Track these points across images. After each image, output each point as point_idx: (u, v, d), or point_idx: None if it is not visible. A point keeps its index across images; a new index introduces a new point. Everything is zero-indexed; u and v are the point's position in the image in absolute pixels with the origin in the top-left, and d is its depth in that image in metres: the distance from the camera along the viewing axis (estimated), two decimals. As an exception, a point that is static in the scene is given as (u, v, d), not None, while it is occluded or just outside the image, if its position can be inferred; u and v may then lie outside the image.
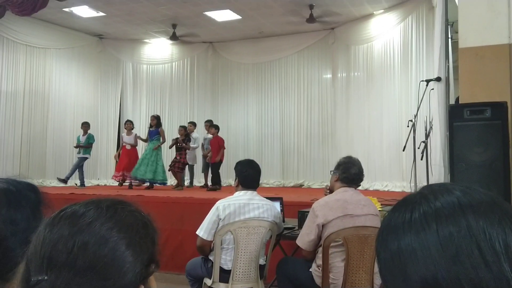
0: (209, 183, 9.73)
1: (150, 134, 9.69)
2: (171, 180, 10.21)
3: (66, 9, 9.84)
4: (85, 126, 10.09)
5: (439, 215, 0.70)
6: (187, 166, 9.90)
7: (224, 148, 9.55)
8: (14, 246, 1.15)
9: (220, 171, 9.61)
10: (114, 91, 12.48)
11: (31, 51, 10.81)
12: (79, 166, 9.93)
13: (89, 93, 12.08)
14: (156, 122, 9.67)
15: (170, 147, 10.11)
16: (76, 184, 9.96)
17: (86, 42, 11.87)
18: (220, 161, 9.46)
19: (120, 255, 0.82)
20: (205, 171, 10.13)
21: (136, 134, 10.15)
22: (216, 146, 9.39)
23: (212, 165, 9.49)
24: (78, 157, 10.03)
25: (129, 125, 10.11)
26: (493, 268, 0.64)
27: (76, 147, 10.09)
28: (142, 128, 11.52)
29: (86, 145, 9.95)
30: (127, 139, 9.98)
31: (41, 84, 11.00)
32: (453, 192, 0.72)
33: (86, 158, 10.05)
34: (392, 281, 0.73)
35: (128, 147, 9.95)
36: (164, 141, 9.74)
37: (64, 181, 9.81)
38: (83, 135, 10.02)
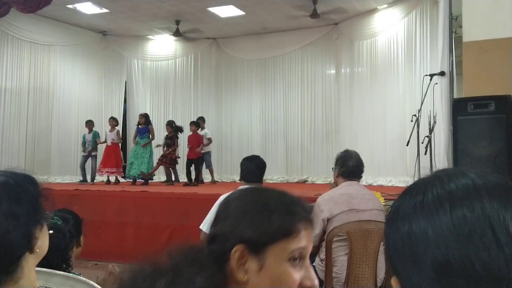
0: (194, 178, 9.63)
1: (139, 132, 9.70)
2: (158, 177, 10.23)
3: (70, 6, 9.85)
4: (90, 124, 10.11)
5: (453, 197, 0.69)
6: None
7: (203, 144, 9.67)
8: (16, 240, 1.15)
9: (213, 166, 10.06)
10: (118, 87, 12.50)
11: (35, 48, 10.83)
12: (84, 164, 9.99)
13: (93, 90, 12.11)
14: (145, 120, 9.72)
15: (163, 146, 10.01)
16: (80, 180, 9.99)
17: (90, 39, 11.89)
18: (199, 157, 9.60)
19: None
20: (208, 167, 10.20)
21: (118, 131, 10.13)
22: (195, 143, 9.49)
23: (193, 161, 9.54)
24: (84, 156, 10.01)
25: (112, 122, 10.08)
26: (505, 250, 0.64)
27: (86, 150, 9.99)
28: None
29: (95, 143, 9.99)
30: (109, 135, 9.94)
31: (45, 81, 11.02)
32: (468, 174, 0.72)
33: (96, 155, 10.10)
34: (401, 265, 0.72)
35: (109, 143, 9.90)
36: (153, 138, 9.76)
37: (92, 180, 9.98)
38: (88, 133, 10.04)
